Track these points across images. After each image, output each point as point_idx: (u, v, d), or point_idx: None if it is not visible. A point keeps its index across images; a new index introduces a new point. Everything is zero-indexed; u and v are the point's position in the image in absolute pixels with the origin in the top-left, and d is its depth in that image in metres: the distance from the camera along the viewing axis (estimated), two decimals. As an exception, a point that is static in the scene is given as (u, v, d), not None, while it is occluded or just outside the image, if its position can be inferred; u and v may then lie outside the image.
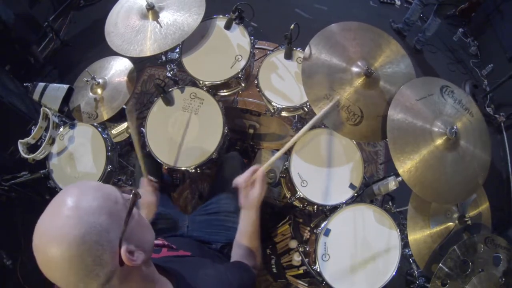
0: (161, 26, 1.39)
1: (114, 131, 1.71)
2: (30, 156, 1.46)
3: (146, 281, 0.65)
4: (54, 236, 0.52)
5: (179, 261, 0.87)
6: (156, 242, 1.01)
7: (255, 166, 1.01)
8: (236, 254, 1.02)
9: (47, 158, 1.53)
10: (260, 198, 1.00)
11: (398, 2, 3.46)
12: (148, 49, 1.36)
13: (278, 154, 1.04)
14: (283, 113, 1.53)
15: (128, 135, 1.73)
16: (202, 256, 1.01)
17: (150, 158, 1.44)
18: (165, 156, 1.43)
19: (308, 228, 1.64)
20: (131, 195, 0.62)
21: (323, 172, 1.46)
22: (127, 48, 1.37)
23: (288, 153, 1.49)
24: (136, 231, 0.61)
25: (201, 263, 0.88)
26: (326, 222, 1.36)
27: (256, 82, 1.51)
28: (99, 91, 1.55)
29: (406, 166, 1.11)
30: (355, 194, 1.43)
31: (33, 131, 1.50)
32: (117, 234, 0.56)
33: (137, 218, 0.63)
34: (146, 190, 1.17)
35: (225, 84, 1.52)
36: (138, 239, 0.62)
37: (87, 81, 1.52)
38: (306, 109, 1.50)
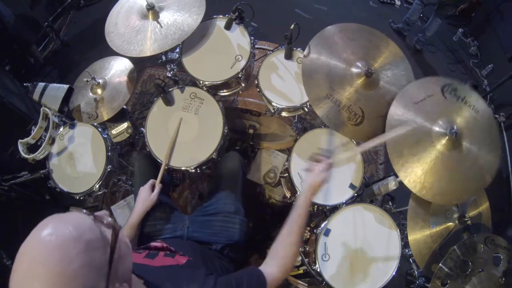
0: (161, 26, 1.39)
1: (114, 131, 1.71)
2: (30, 156, 1.46)
3: None
4: None
5: (168, 273, 0.82)
6: (155, 244, 1.00)
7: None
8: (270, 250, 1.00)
9: (47, 158, 1.53)
10: (311, 183, 1.02)
11: (398, 2, 3.46)
12: (148, 49, 1.36)
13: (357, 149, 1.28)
14: (283, 113, 1.52)
15: (128, 135, 1.73)
16: (203, 259, 0.99)
17: (149, 158, 1.44)
18: (165, 156, 1.42)
19: (308, 228, 1.63)
20: (111, 232, 0.57)
21: (323, 172, 1.46)
22: (127, 48, 1.37)
23: (288, 153, 1.49)
24: (118, 267, 0.57)
25: (188, 277, 0.80)
26: (326, 222, 1.36)
27: (256, 82, 1.51)
28: (99, 91, 1.55)
29: (406, 167, 1.11)
30: (355, 194, 1.43)
31: (33, 131, 1.50)
32: (102, 286, 0.53)
33: (119, 252, 0.57)
34: (153, 195, 1.24)
35: (225, 84, 1.52)
36: (122, 273, 0.58)
37: (87, 81, 1.51)
38: (306, 109, 1.50)
